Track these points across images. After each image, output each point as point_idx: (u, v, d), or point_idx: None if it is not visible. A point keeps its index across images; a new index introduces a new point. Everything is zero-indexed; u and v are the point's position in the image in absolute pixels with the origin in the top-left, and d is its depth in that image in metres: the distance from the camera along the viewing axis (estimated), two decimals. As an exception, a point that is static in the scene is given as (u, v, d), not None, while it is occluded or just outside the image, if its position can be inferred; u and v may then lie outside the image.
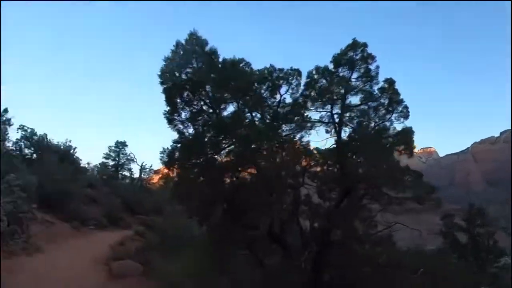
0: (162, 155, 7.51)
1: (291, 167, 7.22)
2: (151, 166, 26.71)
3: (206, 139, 7.21)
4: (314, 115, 7.94)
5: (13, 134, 18.54)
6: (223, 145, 7.23)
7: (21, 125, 19.53)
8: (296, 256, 6.65)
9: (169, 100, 7.15)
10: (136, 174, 24.52)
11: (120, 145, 31.55)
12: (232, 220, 7.07)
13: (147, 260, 8.61)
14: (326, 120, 7.83)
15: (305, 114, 7.83)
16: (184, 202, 8.02)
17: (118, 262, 7.84)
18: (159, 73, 7.44)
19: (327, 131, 7.85)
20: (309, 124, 7.77)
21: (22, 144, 19.12)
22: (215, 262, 7.20)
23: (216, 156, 7.37)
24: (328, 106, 7.68)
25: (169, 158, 7.35)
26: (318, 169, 7.90)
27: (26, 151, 19.24)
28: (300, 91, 7.68)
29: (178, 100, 7.17)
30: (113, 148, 31.31)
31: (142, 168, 23.73)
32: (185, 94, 7.16)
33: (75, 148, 20.20)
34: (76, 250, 8.97)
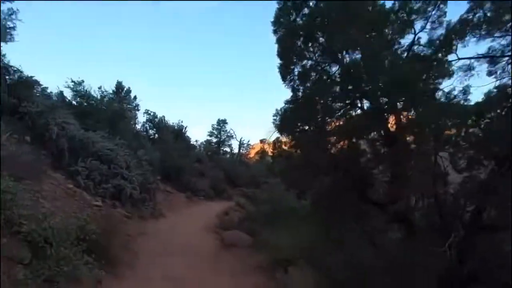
0: (274, 118, 7.14)
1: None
2: (248, 141, 28.14)
3: (321, 98, 6.23)
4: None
5: (141, 118, 22.53)
6: (347, 102, 6.22)
7: (146, 109, 23.69)
8: (430, 239, 5.28)
9: (282, 50, 6.52)
10: (235, 150, 26.38)
11: (221, 123, 34.50)
12: (346, 192, 6.27)
13: (250, 230, 9.01)
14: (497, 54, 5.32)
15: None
16: (287, 173, 7.59)
17: (229, 232, 8.37)
18: (272, 20, 6.63)
19: (490, 73, 5.50)
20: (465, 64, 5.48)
21: (147, 126, 23.21)
22: (326, 237, 6.72)
23: (330, 119, 6.47)
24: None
25: (282, 121, 6.84)
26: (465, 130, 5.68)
27: (150, 131, 23.29)
28: (444, 23, 5.72)
29: (292, 50, 6.45)
30: (215, 126, 34.62)
31: (240, 144, 25.21)
32: (299, 42, 6.35)
33: (186, 127, 22.97)
34: (190, 218, 10.17)
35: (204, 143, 32.59)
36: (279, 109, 7.08)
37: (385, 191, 6.62)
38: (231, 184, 21.64)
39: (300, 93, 6.79)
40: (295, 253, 5.99)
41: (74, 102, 11.01)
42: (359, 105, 6.42)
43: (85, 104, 11.18)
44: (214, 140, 34.93)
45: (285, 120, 6.80)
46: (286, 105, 6.96)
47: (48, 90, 10.56)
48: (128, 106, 20.52)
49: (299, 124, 6.60)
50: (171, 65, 54.50)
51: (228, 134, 34.62)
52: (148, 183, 9.17)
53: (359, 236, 6.75)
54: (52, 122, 7.55)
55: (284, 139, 7.92)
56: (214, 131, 35.22)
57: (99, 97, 12.01)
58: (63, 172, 7.28)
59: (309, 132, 6.58)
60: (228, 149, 33.14)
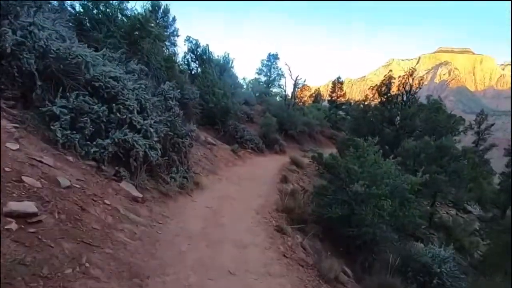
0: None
1: None
2: (304, 81, 23.26)
3: None
4: None
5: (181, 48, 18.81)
6: None
7: (188, 36, 19.77)
8: None
9: None
10: (288, 91, 21.87)
11: (273, 58, 29.53)
12: None
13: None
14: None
15: None
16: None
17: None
18: None
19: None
20: None
21: (189, 57, 19.57)
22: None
23: None
24: None
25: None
26: None
27: (193, 65, 19.71)
28: None
29: None
30: (265, 61, 29.81)
31: (296, 84, 20.68)
32: None
33: (233, 60, 18.88)
34: (239, 190, 6.93)
35: (252, 82, 28.53)
36: None
37: None
38: (284, 133, 17.97)
39: None
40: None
41: (77, 5, 7.51)
42: None
43: (95, 10, 7.66)
44: (263, 79, 30.53)
45: None
46: None
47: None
48: (165, 30, 16.87)
49: None
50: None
51: (279, 72, 29.84)
52: (178, 136, 5.85)
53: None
54: (6, 24, 4.20)
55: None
56: (263, 68, 30.59)
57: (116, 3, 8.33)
58: (32, 116, 4.17)
59: None
60: (277, 90, 28.77)
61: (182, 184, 5.49)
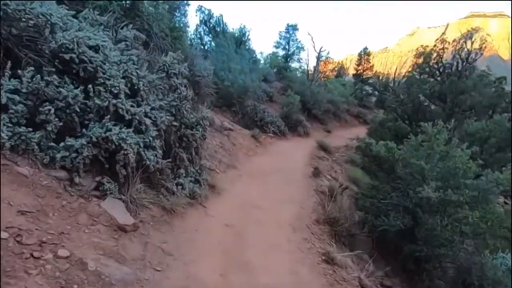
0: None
1: None
2: (328, 53, 20.83)
3: None
4: None
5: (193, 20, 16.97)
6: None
7: (199, 6, 17.77)
8: None
9: None
10: (310, 65, 19.61)
11: (291, 30, 26.90)
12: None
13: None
14: None
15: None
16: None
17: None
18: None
19: None
20: None
21: (202, 30, 17.65)
22: None
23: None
24: None
25: None
26: None
27: (206, 38, 17.81)
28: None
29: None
30: (283, 34, 27.24)
31: (319, 57, 18.45)
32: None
33: (250, 31, 16.86)
34: (263, 191, 5.49)
35: (270, 56, 26.30)
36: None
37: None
38: (306, 112, 16.12)
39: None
40: None
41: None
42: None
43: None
44: (281, 53, 28.13)
45: None
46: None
47: None
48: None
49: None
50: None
51: (299, 45, 27.28)
52: (186, 126, 4.38)
53: None
54: None
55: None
56: (281, 41, 28.07)
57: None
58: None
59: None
60: (296, 65, 26.40)
61: (193, 192, 4.11)
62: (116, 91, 3.38)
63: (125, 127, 3.33)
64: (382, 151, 5.41)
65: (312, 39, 18.18)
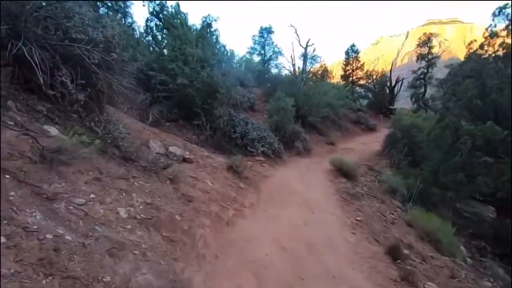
0: None
1: None
2: (314, 51, 17.21)
3: None
4: None
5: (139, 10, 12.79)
6: None
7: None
8: None
9: None
10: (296, 65, 15.71)
11: (266, 33, 23.50)
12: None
13: None
14: None
15: None
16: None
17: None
18: None
19: None
20: None
21: (153, 24, 13.47)
22: None
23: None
24: None
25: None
26: None
27: (159, 36, 13.60)
28: None
29: None
30: (256, 38, 23.72)
31: (306, 53, 14.76)
32: None
33: (217, 19, 12.92)
34: None
35: (245, 60, 22.45)
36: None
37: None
38: (300, 120, 12.10)
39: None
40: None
41: None
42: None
43: None
44: (257, 59, 24.47)
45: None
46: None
47: None
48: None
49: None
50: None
51: (276, 49, 23.86)
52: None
53: None
54: None
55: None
56: (255, 46, 24.52)
57: None
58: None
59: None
60: (275, 71, 22.73)
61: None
62: None
63: None
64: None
65: (295, 31, 14.47)
